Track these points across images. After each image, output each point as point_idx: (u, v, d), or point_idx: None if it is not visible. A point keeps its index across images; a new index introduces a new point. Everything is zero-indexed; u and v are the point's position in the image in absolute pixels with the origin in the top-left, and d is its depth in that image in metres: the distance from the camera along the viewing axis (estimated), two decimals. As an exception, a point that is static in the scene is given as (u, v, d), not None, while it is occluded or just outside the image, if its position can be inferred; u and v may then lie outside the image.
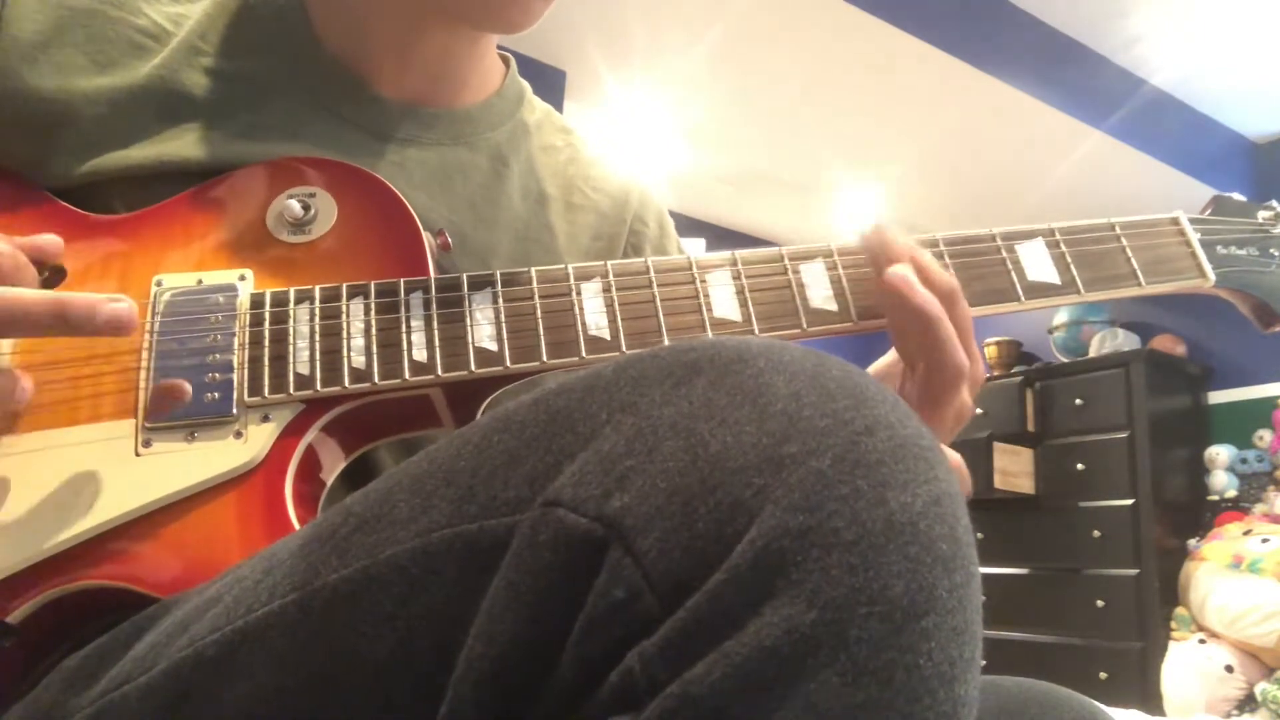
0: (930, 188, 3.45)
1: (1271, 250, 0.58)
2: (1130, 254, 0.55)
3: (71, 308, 0.43)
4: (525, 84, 0.71)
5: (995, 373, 3.54)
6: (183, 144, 0.56)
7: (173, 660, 0.33)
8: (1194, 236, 0.56)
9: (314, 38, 0.61)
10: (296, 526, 0.45)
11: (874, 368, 0.56)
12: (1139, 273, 0.55)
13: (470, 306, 0.50)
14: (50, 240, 0.48)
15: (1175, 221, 0.57)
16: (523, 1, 0.58)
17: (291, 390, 0.48)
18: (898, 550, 0.25)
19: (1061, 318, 3.51)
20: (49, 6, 0.56)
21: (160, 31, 0.59)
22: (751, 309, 0.51)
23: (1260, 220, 0.59)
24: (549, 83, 2.68)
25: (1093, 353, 3.36)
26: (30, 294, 0.43)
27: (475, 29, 0.62)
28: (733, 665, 0.24)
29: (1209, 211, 0.59)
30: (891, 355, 0.55)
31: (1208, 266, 0.56)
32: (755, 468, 0.26)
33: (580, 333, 0.50)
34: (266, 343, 0.49)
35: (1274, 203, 0.60)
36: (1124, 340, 3.33)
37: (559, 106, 2.35)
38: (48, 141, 0.54)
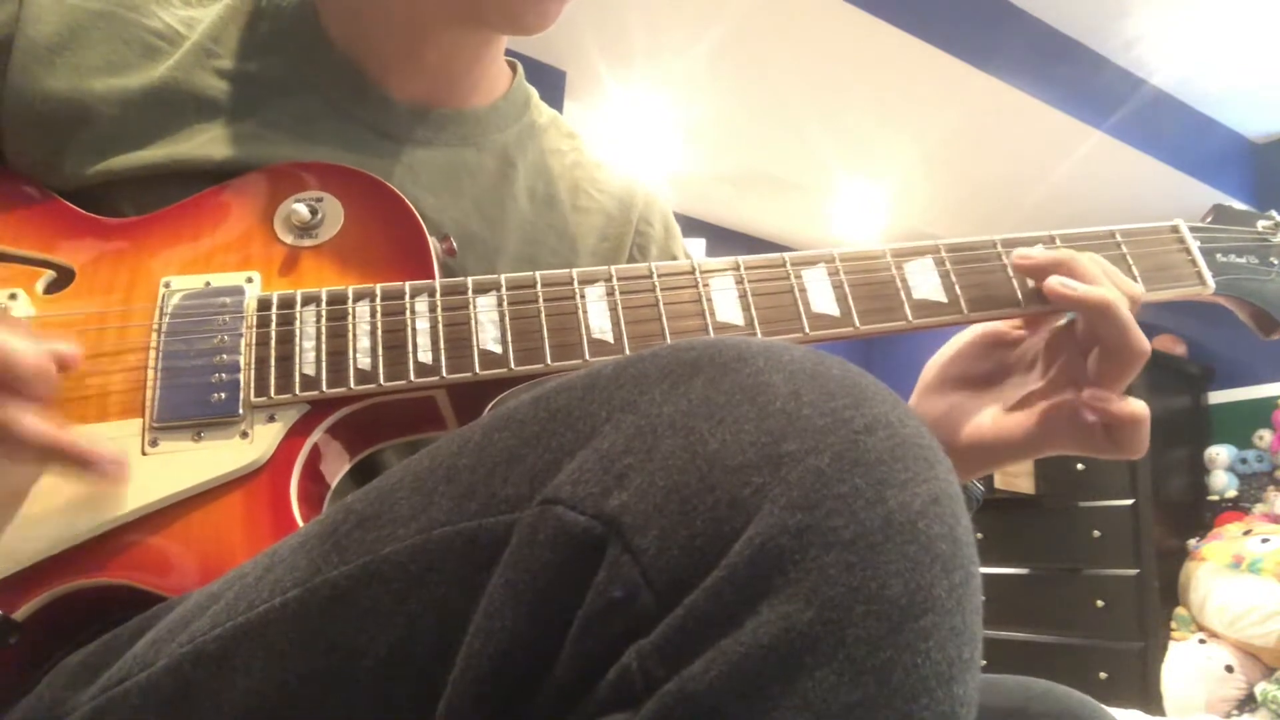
0: (930, 188, 3.45)
1: (1271, 259, 0.58)
2: (1131, 261, 0.55)
3: (68, 451, 0.43)
4: (532, 89, 0.71)
5: (995, 373, 3.54)
6: (194, 145, 0.56)
7: (174, 656, 0.33)
8: (1194, 244, 0.57)
9: (325, 39, 0.62)
10: (301, 526, 0.45)
11: (971, 336, 0.57)
12: (1139, 280, 0.55)
13: (475, 309, 0.50)
14: (69, 351, 0.46)
15: (1175, 229, 0.57)
16: (539, 4, 0.58)
17: (297, 391, 0.48)
18: (896, 549, 0.25)
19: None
20: (64, 8, 0.57)
21: (173, 34, 0.59)
22: (754, 313, 0.51)
23: (1260, 229, 0.59)
24: (549, 83, 2.68)
25: (1093, 353, 3.35)
26: (31, 427, 0.42)
27: (491, 31, 0.62)
28: (730, 663, 0.24)
29: (1209, 220, 0.60)
30: (987, 327, 0.56)
31: (1207, 274, 0.56)
32: (754, 466, 0.26)
33: (584, 335, 0.50)
34: (273, 344, 0.49)
35: (1274, 212, 0.60)
36: (1124, 340, 3.32)
37: (559, 106, 2.35)
38: (62, 143, 0.55)
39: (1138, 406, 0.49)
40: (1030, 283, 0.54)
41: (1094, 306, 0.49)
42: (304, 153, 0.57)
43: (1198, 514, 3.11)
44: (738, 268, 0.52)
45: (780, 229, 4.01)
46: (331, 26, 0.62)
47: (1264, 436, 3.10)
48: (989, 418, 0.54)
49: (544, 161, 0.68)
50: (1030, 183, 3.17)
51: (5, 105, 0.55)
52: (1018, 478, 3.19)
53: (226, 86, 0.58)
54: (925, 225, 3.61)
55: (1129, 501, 2.97)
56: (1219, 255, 0.57)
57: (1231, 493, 3.11)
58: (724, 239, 3.91)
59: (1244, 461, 3.13)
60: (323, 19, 0.62)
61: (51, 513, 0.45)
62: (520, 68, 0.71)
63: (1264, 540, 2.74)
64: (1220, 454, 3.15)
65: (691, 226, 3.86)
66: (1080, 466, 3.10)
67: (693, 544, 0.25)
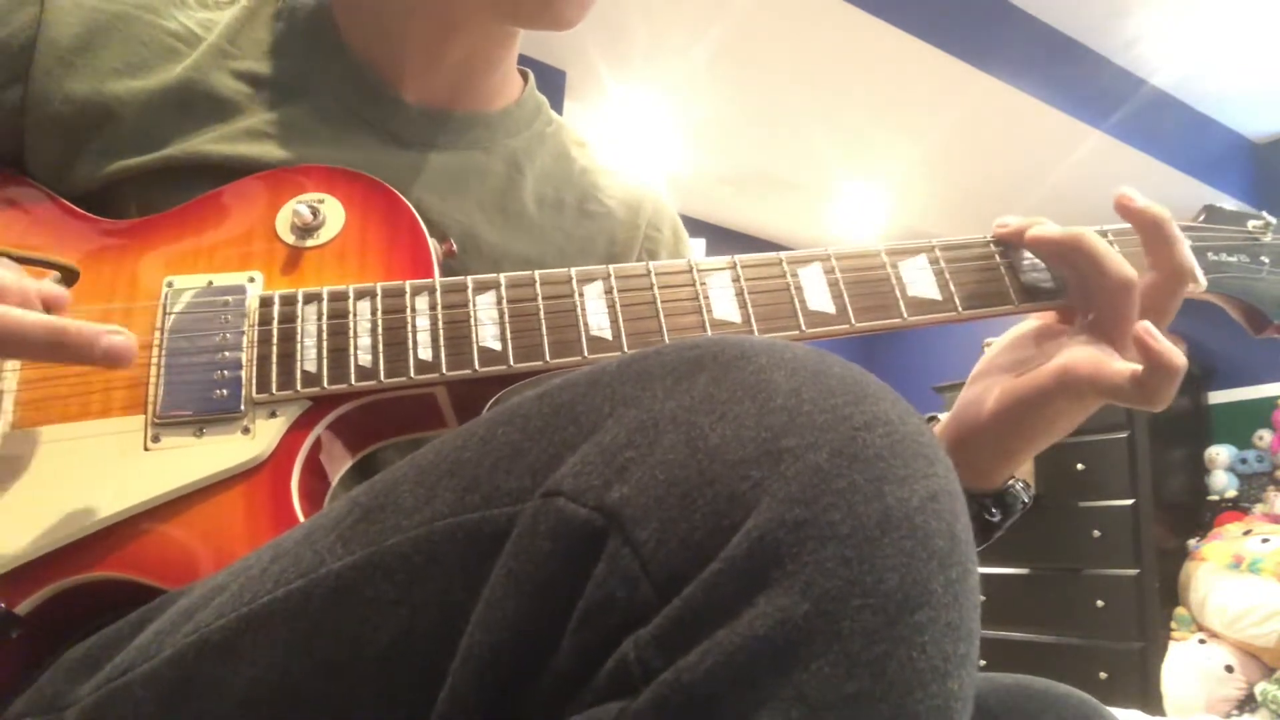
0: (930, 188, 3.45)
1: (1262, 258, 0.58)
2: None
3: (69, 335, 0.43)
4: (543, 97, 0.72)
5: (995, 373, 3.54)
6: (202, 140, 0.57)
7: (177, 647, 0.33)
8: (1185, 243, 0.57)
9: (340, 42, 0.62)
10: (302, 521, 0.46)
11: (1025, 328, 0.56)
12: None
13: (474, 307, 0.51)
14: (58, 291, 0.48)
15: None
16: None
17: (299, 387, 0.48)
18: (893, 544, 0.25)
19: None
20: (84, 10, 0.57)
21: (190, 36, 0.60)
22: (751, 310, 0.51)
23: (1250, 229, 0.60)
24: (549, 83, 2.68)
25: (1093, 353, 3.36)
26: (30, 317, 0.43)
27: (524, 26, 0.62)
28: (725, 654, 0.24)
29: (1201, 219, 0.60)
30: (1037, 321, 0.56)
31: (1198, 272, 0.56)
32: (753, 461, 0.26)
33: (582, 333, 0.50)
34: (275, 341, 0.50)
35: (1264, 213, 0.60)
36: (1124, 340, 3.32)
37: (559, 106, 2.36)
38: (81, 143, 0.56)
39: (1178, 355, 0.48)
40: (1022, 279, 0.54)
41: (1154, 219, 0.51)
42: (313, 154, 0.58)
43: (1198, 514, 3.11)
44: (734, 266, 0.53)
45: (780, 229, 4.02)
46: (346, 28, 0.63)
47: (1264, 436, 3.10)
48: (1013, 378, 0.53)
49: (553, 167, 0.69)
50: (1030, 183, 3.17)
51: (28, 107, 0.56)
52: (1018, 478, 3.19)
53: (242, 87, 0.59)
54: (924, 225, 3.61)
55: (1129, 501, 2.98)
56: (1210, 254, 0.57)
57: (1231, 493, 3.11)
58: (724, 239, 3.91)
59: (1244, 461, 3.13)
60: (339, 22, 0.63)
61: (54, 507, 0.45)
62: (532, 76, 0.71)
63: (1264, 540, 2.74)
64: (1220, 454, 3.15)
65: (691, 227, 3.85)
66: (1080, 466, 3.11)
67: (691, 537, 0.26)
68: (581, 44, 2.61)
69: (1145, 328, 0.48)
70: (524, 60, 0.70)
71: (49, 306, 0.47)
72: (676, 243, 0.73)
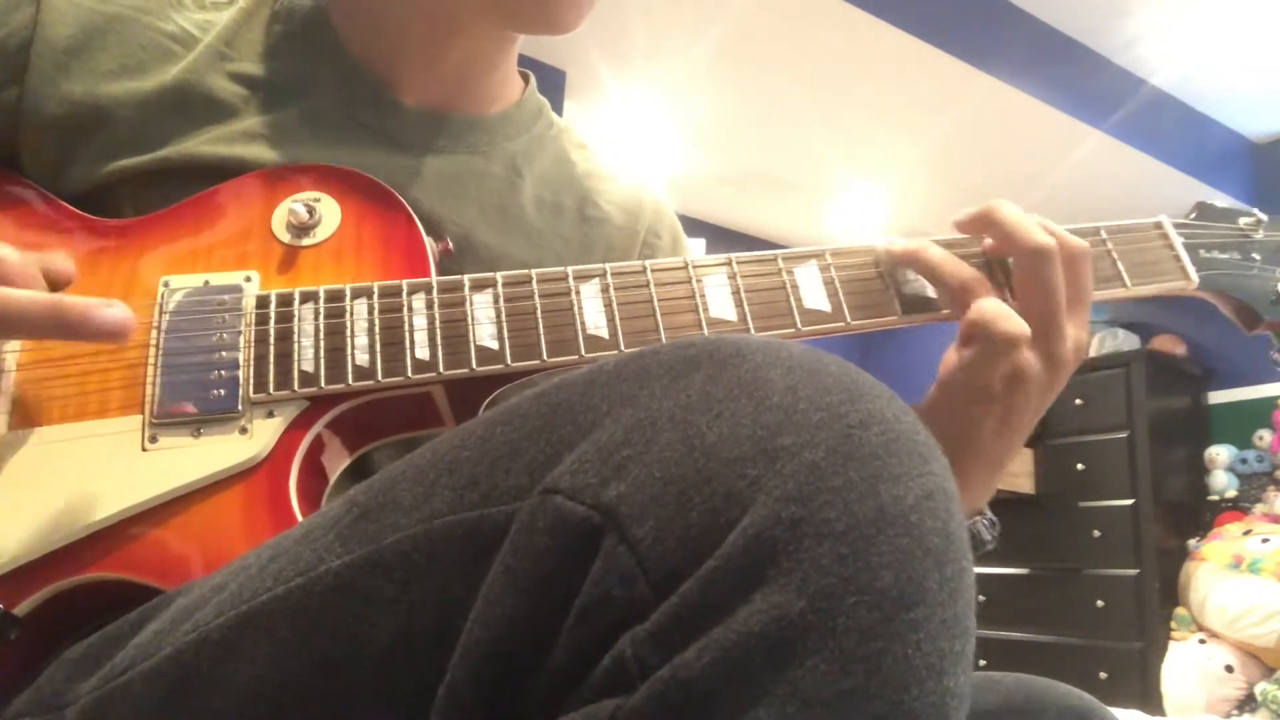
0: (930, 188, 3.45)
1: (1253, 254, 0.59)
2: (1116, 257, 0.56)
3: (68, 312, 0.43)
4: (544, 99, 0.71)
5: (995, 373, 3.54)
6: (198, 142, 0.57)
7: (177, 645, 0.33)
8: (1177, 240, 0.57)
9: (337, 44, 0.62)
10: (300, 520, 0.46)
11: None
12: (1124, 275, 0.55)
13: (471, 306, 0.51)
14: (62, 263, 0.49)
15: (1159, 225, 0.58)
16: (576, 3, 0.58)
17: (296, 387, 0.48)
18: (888, 542, 0.25)
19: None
20: (80, 11, 0.57)
21: (188, 38, 0.60)
22: (747, 309, 0.51)
23: (1242, 225, 0.60)
24: (549, 83, 2.68)
25: (1093, 353, 3.36)
26: (27, 296, 0.43)
27: (523, 30, 0.62)
28: (721, 650, 0.24)
29: (1193, 216, 0.60)
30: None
31: (1191, 269, 0.57)
32: (750, 459, 0.26)
33: (579, 331, 0.50)
34: (272, 341, 0.50)
35: (1255, 210, 0.61)
36: (1124, 340, 3.33)
37: (559, 106, 2.35)
38: (77, 145, 0.56)
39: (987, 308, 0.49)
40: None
41: (983, 217, 0.53)
42: (309, 155, 0.58)
43: (1198, 514, 3.11)
44: (730, 264, 0.53)
45: (780, 229, 4.02)
46: (343, 30, 0.63)
47: (1264, 436, 3.10)
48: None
49: (553, 171, 0.68)
50: (1030, 183, 3.17)
51: (24, 108, 0.56)
52: (1018, 478, 3.19)
53: (238, 89, 0.59)
54: (925, 225, 3.61)
55: (1129, 501, 2.98)
56: (1202, 251, 0.58)
57: (1231, 493, 3.11)
58: (724, 239, 3.91)
59: (1244, 461, 3.13)
60: (336, 24, 0.63)
61: (52, 508, 0.45)
62: (533, 78, 0.71)
63: (1264, 540, 2.74)
64: (1220, 454, 3.15)
65: (691, 226, 3.87)
66: (1080, 466, 3.11)
67: (688, 534, 0.26)
68: (581, 44, 2.61)
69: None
70: (524, 61, 0.70)
71: (53, 279, 0.47)
72: (675, 249, 0.73)
